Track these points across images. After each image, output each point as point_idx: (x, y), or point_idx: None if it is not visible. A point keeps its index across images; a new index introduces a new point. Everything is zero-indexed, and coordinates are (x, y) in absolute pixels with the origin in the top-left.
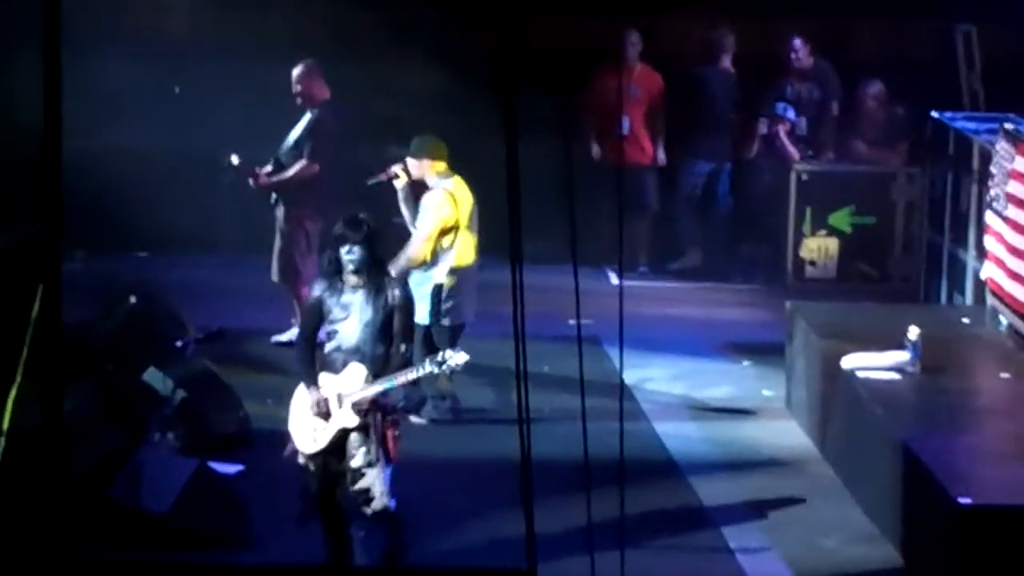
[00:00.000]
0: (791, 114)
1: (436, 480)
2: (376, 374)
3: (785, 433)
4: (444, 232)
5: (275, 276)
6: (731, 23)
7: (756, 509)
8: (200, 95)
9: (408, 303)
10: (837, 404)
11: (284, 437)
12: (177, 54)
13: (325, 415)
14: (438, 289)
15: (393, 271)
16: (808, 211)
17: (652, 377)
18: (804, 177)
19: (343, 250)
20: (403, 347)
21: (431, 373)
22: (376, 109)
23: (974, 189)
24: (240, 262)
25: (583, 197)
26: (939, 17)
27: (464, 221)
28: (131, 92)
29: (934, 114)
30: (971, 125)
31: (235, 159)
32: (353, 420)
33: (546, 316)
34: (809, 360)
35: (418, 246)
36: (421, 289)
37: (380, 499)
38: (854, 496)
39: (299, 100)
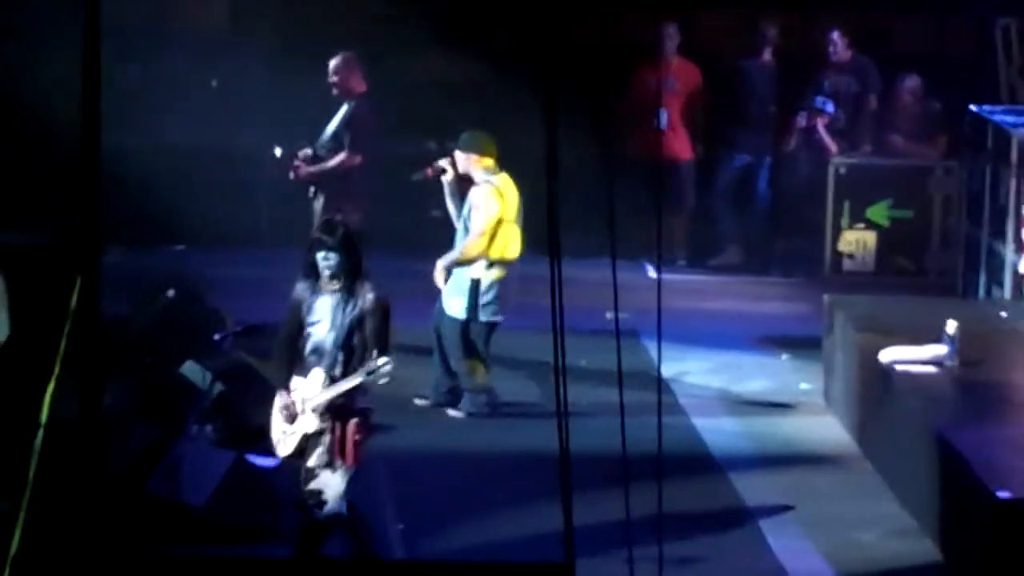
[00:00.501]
0: (830, 107)
1: (474, 474)
2: (336, 378)
3: (823, 427)
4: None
5: None
6: (770, 16)
7: (794, 503)
8: (238, 89)
9: (380, 308)
10: (875, 398)
11: None
12: (215, 48)
13: (292, 419)
14: (476, 284)
15: (441, 263)
16: (846, 205)
17: (690, 371)
18: (842, 171)
19: (319, 255)
20: (375, 352)
21: (363, 382)
22: (415, 104)
23: (1012, 183)
24: (278, 256)
25: (621, 191)
26: (978, 11)
27: (511, 216)
28: (169, 86)
29: (972, 108)
30: (1009, 119)
31: (278, 151)
32: (313, 424)
33: (584, 310)
34: (847, 354)
35: (474, 242)
36: (460, 284)
37: (333, 503)
38: (892, 490)
39: (335, 91)
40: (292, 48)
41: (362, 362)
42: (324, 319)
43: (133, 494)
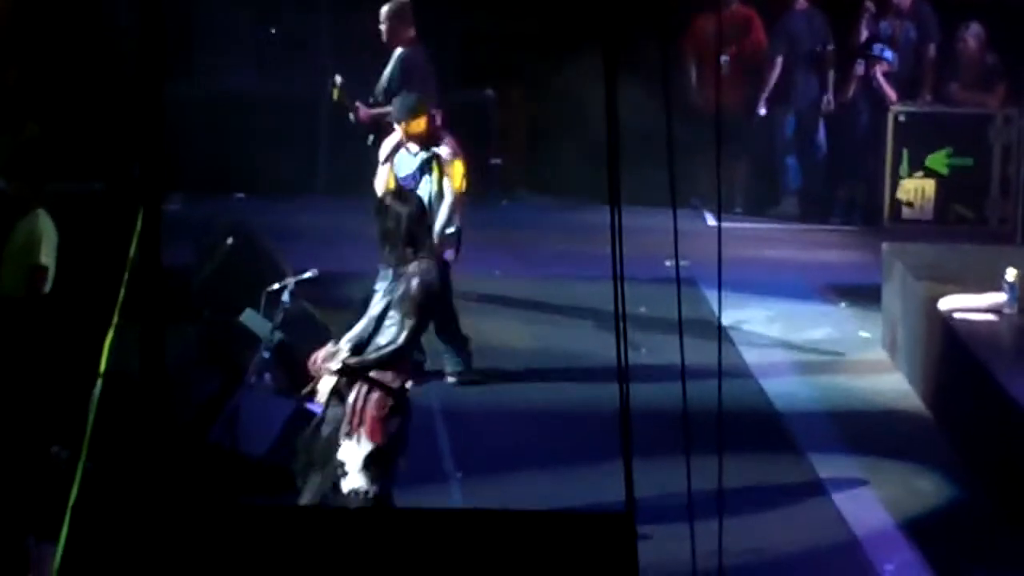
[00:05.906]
0: (888, 55)
1: (533, 426)
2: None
3: (882, 375)
4: None
5: None
6: None
7: (853, 451)
8: (298, 37)
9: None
10: (934, 346)
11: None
12: None
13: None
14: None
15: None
16: (905, 153)
17: (749, 319)
18: (901, 119)
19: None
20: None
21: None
22: (470, 53)
23: None
24: (335, 204)
25: (681, 139)
26: None
27: None
28: (229, 34)
29: None
30: None
31: (338, 79)
32: (329, 382)
33: (643, 258)
34: (906, 302)
35: (456, 204)
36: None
37: (354, 476)
38: (950, 438)
39: (385, 38)
40: None
41: (391, 340)
42: (381, 288)
43: (194, 444)
